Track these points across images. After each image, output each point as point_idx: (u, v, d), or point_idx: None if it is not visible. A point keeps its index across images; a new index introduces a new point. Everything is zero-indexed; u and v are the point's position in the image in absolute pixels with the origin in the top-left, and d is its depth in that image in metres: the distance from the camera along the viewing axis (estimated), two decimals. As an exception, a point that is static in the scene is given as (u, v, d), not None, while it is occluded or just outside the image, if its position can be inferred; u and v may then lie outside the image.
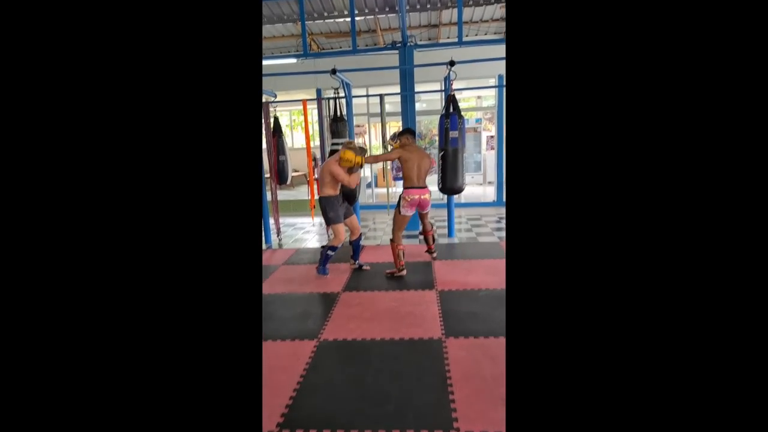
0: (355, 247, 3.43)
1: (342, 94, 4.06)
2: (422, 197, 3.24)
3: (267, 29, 5.49)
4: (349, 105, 4.26)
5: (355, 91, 6.09)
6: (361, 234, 3.47)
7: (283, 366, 2.03)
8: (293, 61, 4.87)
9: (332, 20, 5.28)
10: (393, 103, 6.21)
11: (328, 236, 3.72)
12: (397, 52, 4.55)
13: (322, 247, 3.34)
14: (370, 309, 2.67)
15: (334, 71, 3.64)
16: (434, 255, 3.58)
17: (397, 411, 1.65)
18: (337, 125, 3.66)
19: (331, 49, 6.10)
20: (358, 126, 8.73)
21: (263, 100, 4.64)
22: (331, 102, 3.84)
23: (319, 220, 5.37)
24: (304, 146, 4.57)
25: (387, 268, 3.39)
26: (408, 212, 3.25)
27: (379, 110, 4.45)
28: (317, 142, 4.54)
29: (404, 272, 3.24)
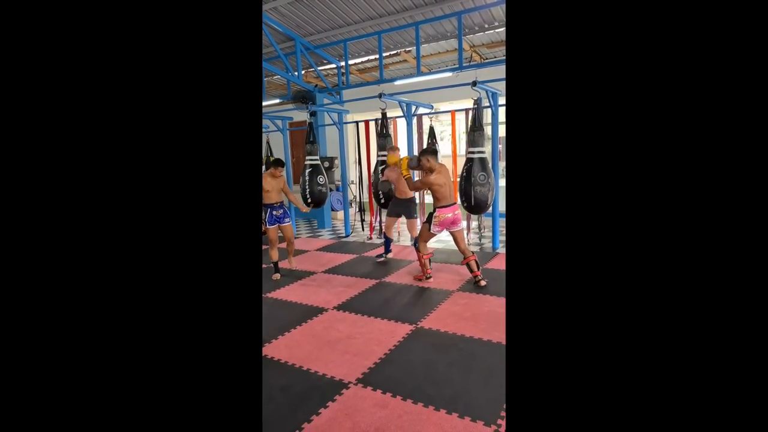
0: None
1: (486, 104, 4.20)
2: (455, 214, 3.27)
3: (432, 47, 6.01)
4: (494, 114, 4.35)
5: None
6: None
7: (379, 339, 2.44)
8: (449, 74, 5.22)
9: (492, 30, 5.40)
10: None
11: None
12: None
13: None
14: (473, 309, 2.82)
15: (474, 83, 3.83)
16: (482, 282, 3.24)
17: (452, 397, 1.83)
18: (474, 135, 3.83)
19: (494, 58, 6.19)
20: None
21: (419, 111, 5.16)
22: (470, 113, 4.04)
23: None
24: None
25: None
26: (437, 231, 3.30)
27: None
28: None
29: (431, 279, 3.43)
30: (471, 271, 3.30)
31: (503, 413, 1.70)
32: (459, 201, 3.51)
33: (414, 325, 2.61)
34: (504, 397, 1.80)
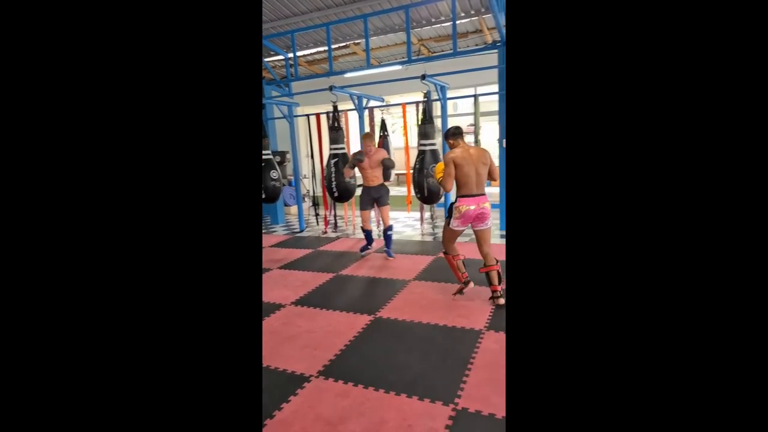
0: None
1: (435, 97, 4.31)
2: (481, 207, 2.62)
3: (381, 39, 6.03)
4: (443, 107, 4.47)
5: (461, 92, 6.21)
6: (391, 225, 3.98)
7: (339, 331, 2.46)
8: (398, 67, 5.28)
9: (439, 24, 5.52)
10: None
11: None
12: (496, 51, 4.56)
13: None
14: (429, 297, 2.91)
15: (423, 77, 3.92)
16: (501, 300, 2.66)
17: (412, 381, 1.90)
18: (425, 127, 3.93)
19: (441, 51, 6.33)
20: (471, 125, 8.74)
21: (370, 104, 5.18)
22: (421, 106, 4.13)
23: (415, 214, 5.72)
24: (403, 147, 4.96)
25: (467, 264, 3.50)
26: (459, 227, 2.71)
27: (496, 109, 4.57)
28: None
29: (471, 284, 2.83)
30: (490, 283, 2.68)
31: (460, 392, 1.79)
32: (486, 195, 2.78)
33: (373, 316, 2.66)
34: (461, 379, 1.90)
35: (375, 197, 3.91)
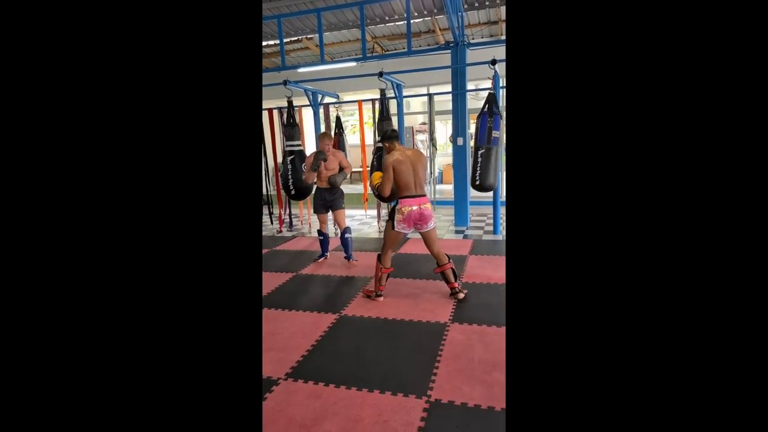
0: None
1: (392, 94, 4.34)
2: (422, 208, 2.66)
3: (335, 35, 5.96)
4: (399, 105, 4.51)
5: (414, 91, 6.31)
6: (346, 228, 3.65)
7: (304, 331, 2.40)
8: (353, 64, 5.26)
9: (393, 23, 5.57)
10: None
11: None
12: (449, 51, 4.68)
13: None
14: (393, 293, 2.93)
15: (380, 74, 3.93)
16: (460, 295, 2.74)
17: (383, 377, 1.90)
18: (383, 124, 3.94)
19: (395, 50, 6.39)
20: (424, 124, 8.93)
21: (325, 101, 5.11)
22: (378, 103, 4.14)
23: (372, 212, 5.73)
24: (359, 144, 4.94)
25: (426, 260, 3.53)
26: (404, 229, 2.69)
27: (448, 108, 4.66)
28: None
29: (381, 298, 2.78)
30: (447, 281, 2.75)
31: (431, 384, 1.82)
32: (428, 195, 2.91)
33: (338, 314, 2.62)
34: (432, 372, 1.93)
35: (329, 200, 3.57)
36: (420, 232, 2.75)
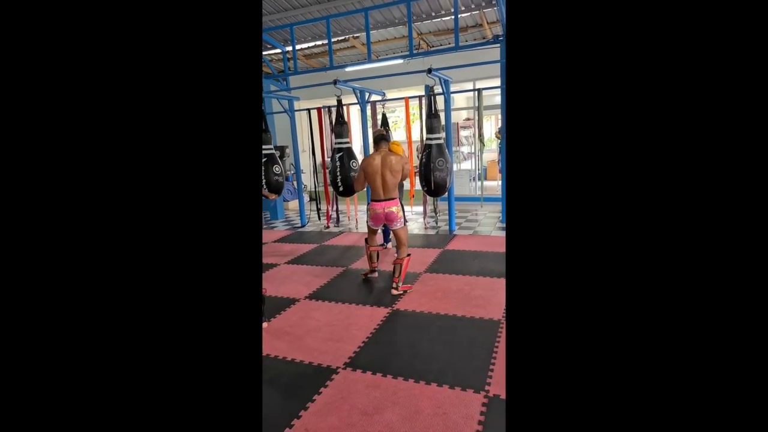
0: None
1: (439, 90, 4.32)
2: (386, 211, 3.00)
3: (380, 33, 6.00)
4: (447, 101, 4.49)
5: (460, 86, 6.24)
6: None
7: (359, 324, 2.47)
8: (400, 61, 5.27)
9: (439, 19, 5.52)
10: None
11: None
12: (498, 45, 4.59)
13: None
14: (443, 289, 2.94)
15: (429, 70, 3.92)
16: (395, 292, 2.89)
17: (440, 371, 1.92)
18: (431, 121, 3.94)
19: (441, 45, 6.34)
20: (468, 119, 8.79)
21: (372, 99, 5.17)
22: (424, 100, 4.14)
23: (418, 208, 5.74)
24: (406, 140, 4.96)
25: (474, 256, 3.64)
26: (373, 225, 3.13)
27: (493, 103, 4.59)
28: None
29: (375, 275, 3.28)
30: (393, 273, 3.01)
31: (489, 380, 1.82)
32: (399, 197, 3.19)
33: (390, 308, 2.68)
34: (489, 367, 1.93)
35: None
36: (391, 229, 3.10)
